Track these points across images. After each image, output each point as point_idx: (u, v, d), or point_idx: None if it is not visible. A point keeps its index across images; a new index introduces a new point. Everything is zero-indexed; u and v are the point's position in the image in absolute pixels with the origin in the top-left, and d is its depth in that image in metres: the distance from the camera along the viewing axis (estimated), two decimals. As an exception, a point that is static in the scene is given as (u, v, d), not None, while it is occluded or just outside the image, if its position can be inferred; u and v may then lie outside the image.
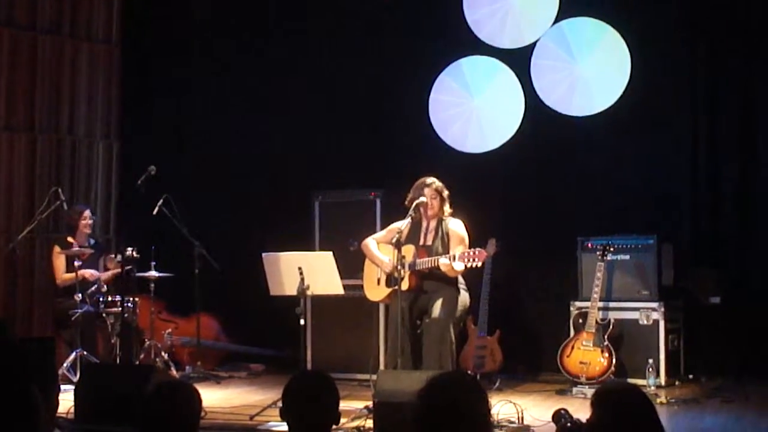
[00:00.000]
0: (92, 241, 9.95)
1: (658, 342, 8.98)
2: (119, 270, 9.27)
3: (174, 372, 9.46)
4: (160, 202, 9.70)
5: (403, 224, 8.08)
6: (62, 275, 9.63)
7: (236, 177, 11.18)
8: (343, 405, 3.99)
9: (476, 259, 7.85)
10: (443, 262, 8.02)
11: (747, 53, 9.68)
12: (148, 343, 9.47)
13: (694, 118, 9.84)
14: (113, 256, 9.73)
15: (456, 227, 8.38)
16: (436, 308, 8.20)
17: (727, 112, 9.74)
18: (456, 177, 9.07)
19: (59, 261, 9.67)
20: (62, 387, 7.63)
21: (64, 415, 6.78)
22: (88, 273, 9.60)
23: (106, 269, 9.85)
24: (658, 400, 7.99)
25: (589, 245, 9.35)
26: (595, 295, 8.89)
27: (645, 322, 9.06)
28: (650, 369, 8.61)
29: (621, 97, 9.81)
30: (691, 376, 9.30)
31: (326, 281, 7.81)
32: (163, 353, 9.53)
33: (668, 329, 9.08)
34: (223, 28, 11.50)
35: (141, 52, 11.57)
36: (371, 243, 8.61)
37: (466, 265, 7.96)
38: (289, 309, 7.98)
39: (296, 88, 11.02)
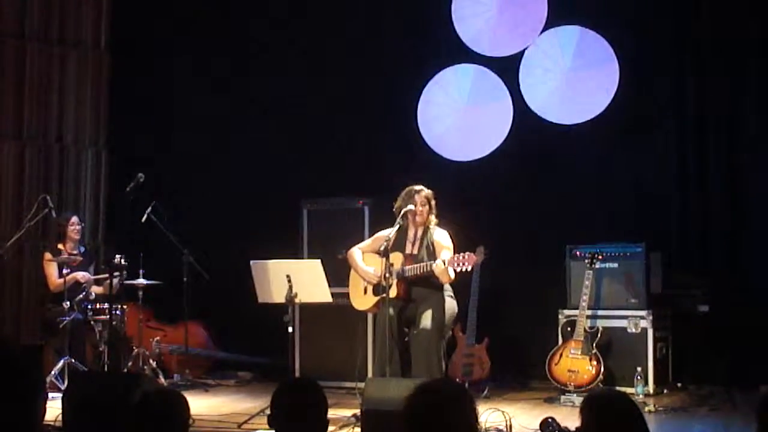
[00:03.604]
0: (82, 249, 9.94)
1: (647, 350, 8.99)
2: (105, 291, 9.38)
3: (162, 380, 9.45)
4: (149, 209, 9.70)
5: (391, 232, 8.06)
6: (55, 281, 9.59)
7: (225, 185, 11.17)
8: (331, 413, 3.99)
9: (466, 264, 7.82)
10: (437, 263, 7.98)
11: (734, 59, 9.70)
12: (136, 350, 9.45)
13: (682, 126, 9.88)
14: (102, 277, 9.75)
15: (441, 238, 8.35)
16: (424, 317, 8.17)
17: (715, 120, 9.77)
18: (444, 185, 9.07)
19: (51, 267, 9.64)
20: (50, 395, 7.60)
21: (51, 423, 6.76)
22: (80, 275, 9.58)
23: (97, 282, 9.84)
24: (647, 408, 7.99)
25: (578, 253, 9.36)
26: (583, 303, 8.90)
27: (633, 330, 9.06)
28: (638, 377, 8.63)
29: (609, 105, 9.84)
30: (679, 384, 9.31)
31: (314, 289, 7.80)
32: (151, 361, 9.50)
33: (656, 337, 9.08)
34: (211, 36, 11.49)
35: (130, 58, 11.56)
36: (356, 254, 8.59)
37: (455, 270, 7.95)
38: (277, 317, 7.97)
39: (285, 96, 11.01)
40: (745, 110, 9.70)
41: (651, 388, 8.87)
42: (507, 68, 10.33)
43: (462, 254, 7.89)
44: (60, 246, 9.72)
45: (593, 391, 8.13)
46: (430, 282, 8.18)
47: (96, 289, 9.62)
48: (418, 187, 8.38)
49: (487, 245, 8.90)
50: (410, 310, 8.31)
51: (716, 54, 9.75)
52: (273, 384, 4.16)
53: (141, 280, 9.52)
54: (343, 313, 9.19)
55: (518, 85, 10.28)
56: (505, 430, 7.06)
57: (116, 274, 9.04)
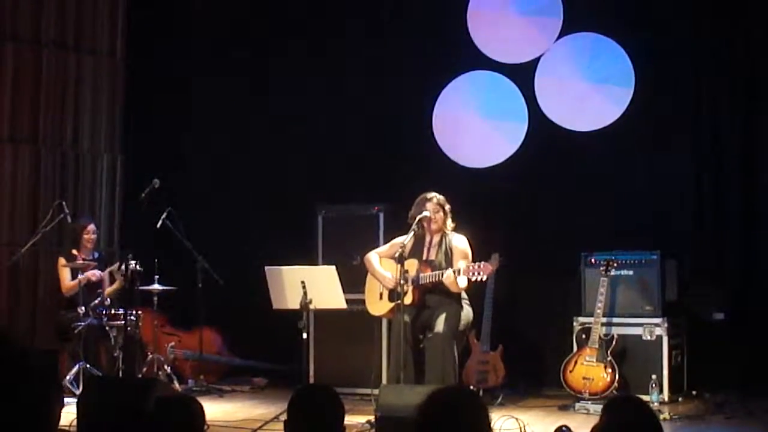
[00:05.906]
0: (96, 255, 9.96)
1: (662, 358, 8.96)
2: (121, 285, 9.32)
3: (177, 385, 9.44)
4: (164, 215, 9.71)
5: (406, 239, 8.06)
6: (68, 284, 9.63)
7: (239, 190, 11.19)
8: (346, 419, 3.98)
9: (481, 273, 7.83)
10: (447, 274, 7.99)
11: (750, 69, 9.69)
12: (150, 356, 9.46)
13: (698, 133, 9.87)
14: (116, 267, 9.72)
15: (459, 243, 8.37)
16: (439, 323, 8.17)
17: (731, 128, 9.75)
18: (459, 191, 9.08)
19: (64, 271, 9.67)
20: (65, 400, 7.62)
21: (66, 428, 6.77)
22: (91, 272, 9.58)
23: (112, 282, 9.84)
24: (662, 416, 7.96)
25: (593, 260, 9.34)
26: (598, 311, 8.88)
27: (648, 338, 9.04)
28: (653, 385, 8.59)
29: (624, 112, 9.82)
30: (694, 392, 9.25)
31: (329, 295, 7.81)
32: (165, 366, 9.51)
33: (671, 345, 9.06)
34: (225, 45, 11.51)
35: (145, 65, 11.58)
36: (373, 258, 8.60)
37: (470, 279, 7.94)
38: (291, 323, 7.97)
39: (301, 103, 11.03)
40: (762, 116, 9.67)
41: (666, 395, 8.85)
42: (522, 75, 10.33)
43: (477, 264, 7.90)
44: (75, 251, 9.74)
45: (614, 396, 8.12)
46: (445, 288, 8.17)
47: (110, 290, 9.63)
48: (430, 195, 8.39)
49: (502, 252, 8.88)
50: (425, 316, 8.32)
51: (733, 58, 9.74)
52: (287, 390, 4.17)
53: (156, 286, 9.53)
54: (358, 319, 9.19)
55: (534, 92, 10.27)
56: (519, 437, 7.06)
57: (126, 269, 9.03)
